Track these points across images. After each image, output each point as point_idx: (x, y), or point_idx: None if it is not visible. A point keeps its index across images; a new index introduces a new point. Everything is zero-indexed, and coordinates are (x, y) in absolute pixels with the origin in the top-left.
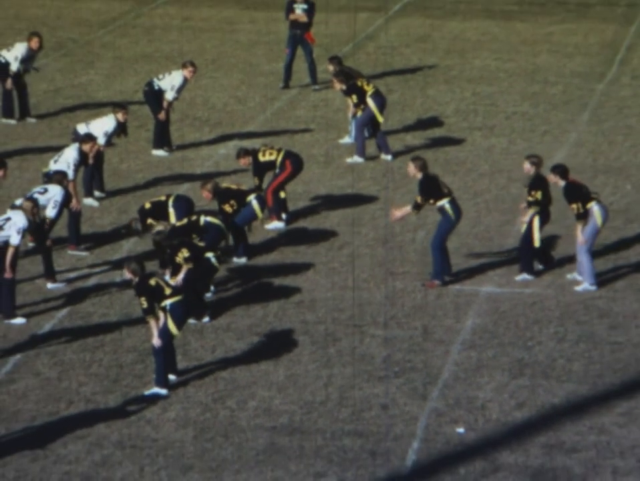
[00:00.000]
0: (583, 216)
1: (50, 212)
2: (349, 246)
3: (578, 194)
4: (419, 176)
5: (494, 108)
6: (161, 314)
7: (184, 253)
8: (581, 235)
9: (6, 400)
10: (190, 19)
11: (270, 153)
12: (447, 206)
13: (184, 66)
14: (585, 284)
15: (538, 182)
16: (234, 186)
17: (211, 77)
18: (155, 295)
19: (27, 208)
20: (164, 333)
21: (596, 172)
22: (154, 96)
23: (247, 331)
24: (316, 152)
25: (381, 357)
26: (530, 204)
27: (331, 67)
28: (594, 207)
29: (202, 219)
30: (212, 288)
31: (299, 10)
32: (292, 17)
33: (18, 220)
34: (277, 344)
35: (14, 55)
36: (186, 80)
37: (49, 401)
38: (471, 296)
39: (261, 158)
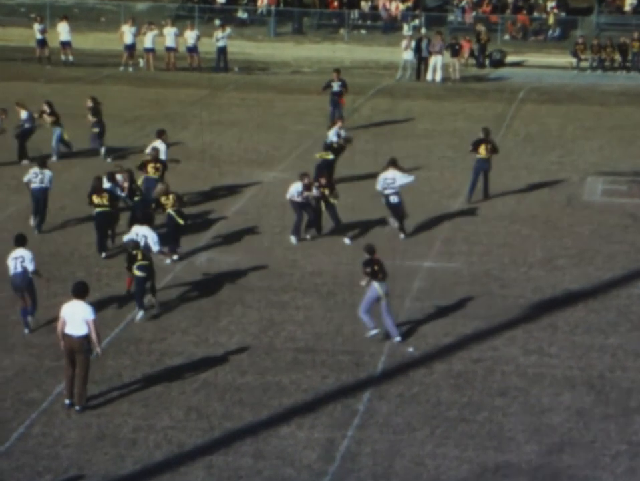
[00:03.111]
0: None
1: None
2: (336, 243)
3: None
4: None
5: (430, 153)
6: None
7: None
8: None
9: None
10: (245, 99)
11: None
12: None
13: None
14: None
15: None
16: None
17: (258, 134)
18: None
19: None
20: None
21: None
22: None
23: (280, 289)
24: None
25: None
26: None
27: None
28: (374, 283)
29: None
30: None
31: (336, 86)
32: (330, 90)
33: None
34: (298, 297)
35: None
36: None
37: (164, 330)
38: (417, 268)
39: None
